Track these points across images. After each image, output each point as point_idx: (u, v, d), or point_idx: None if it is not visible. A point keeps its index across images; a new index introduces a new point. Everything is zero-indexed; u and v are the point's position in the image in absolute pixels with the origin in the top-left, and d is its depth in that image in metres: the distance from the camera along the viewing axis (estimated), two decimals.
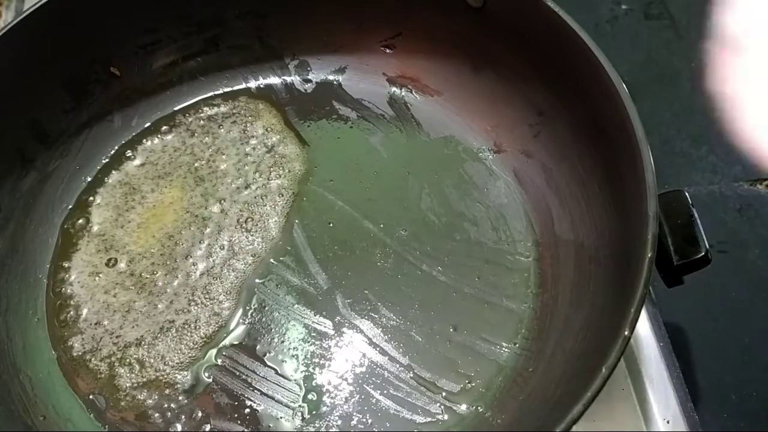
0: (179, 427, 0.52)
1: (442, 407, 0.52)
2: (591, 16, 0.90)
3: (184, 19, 0.67)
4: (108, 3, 0.63)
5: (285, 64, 0.71)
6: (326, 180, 0.64)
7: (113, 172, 0.65)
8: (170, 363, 0.54)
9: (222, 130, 0.67)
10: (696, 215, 0.53)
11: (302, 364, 0.54)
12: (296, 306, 0.57)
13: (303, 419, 0.52)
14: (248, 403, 0.53)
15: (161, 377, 0.54)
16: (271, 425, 0.52)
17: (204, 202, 0.62)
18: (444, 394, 0.52)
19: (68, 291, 0.58)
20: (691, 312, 0.66)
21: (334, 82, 0.70)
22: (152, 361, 0.55)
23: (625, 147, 0.49)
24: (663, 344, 0.57)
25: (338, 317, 0.56)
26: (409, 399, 0.52)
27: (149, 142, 0.66)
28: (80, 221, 0.62)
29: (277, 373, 0.54)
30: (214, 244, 0.60)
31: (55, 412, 0.53)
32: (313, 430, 0.51)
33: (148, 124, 0.68)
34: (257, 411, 0.52)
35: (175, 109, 0.69)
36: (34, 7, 0.59)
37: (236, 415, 0.52)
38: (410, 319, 0.55)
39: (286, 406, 0.52)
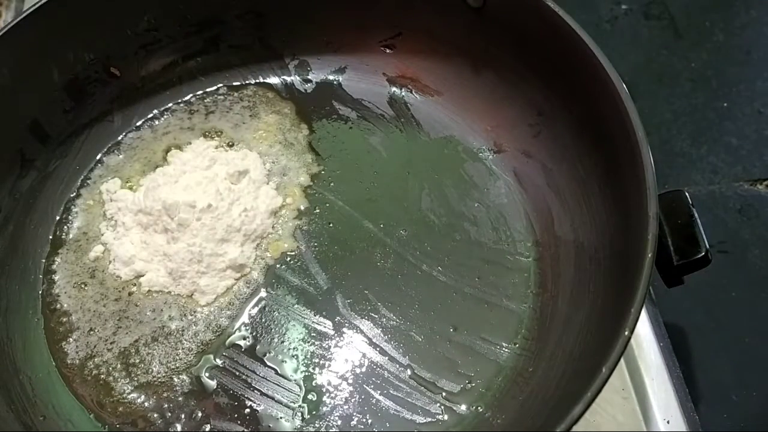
0: (179, 427, 0.52)
1: (442, 407, 0.52)
2: (591, 16, 0.90)
3: (184, 19, 0.67)
4: (108, 3, 0.63)
5: (285, 64, 0.71)
6: (326, 180, 0.64)
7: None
8: (168, 365, 0.54)
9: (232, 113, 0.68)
10: (696, 215, 0.53)
11: (302, 364, 0.54)
12: (296, 306, 0.57)
13: (303, 419, 0.52)
14: (248, 403, 0.53)
15: (159, 380, 0.54)
16: (271, 425, 0.52)
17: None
18: (444, 394, 0.52)
19: (59, 300, 0.58)
20: (691, 312, 0.66)
21: (334, 82, 0.70)
22: (149, 365, 0.54)
23: (625, 147, 0.49)
24: (663, 344, 0.57)
25: (338, 317, 0.56)
26: (409, 399, 0.52)
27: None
28: (73, 223, 0.62)
29: (277, 373, 0.54)
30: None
31: (54, 412, 0.53)
32: (313, 430, 0.51)
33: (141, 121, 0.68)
34: (257, 411, 0.52)
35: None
36: (34, 8, 0.59)
37: (236, 415, 0.52)
38: (410, 319, 0.55)
39: (286, 406, 0.52)
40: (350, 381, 0.53)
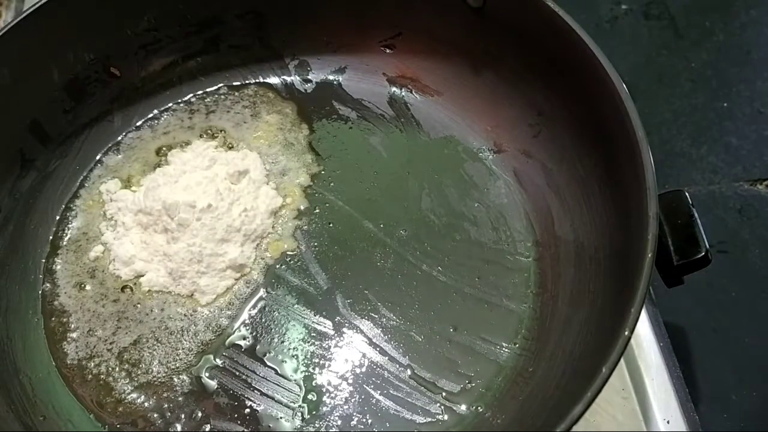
0: (179, 427, 0.52)
1: (442, 407, 0.52)
2: (591, 16, 0.90)
3: (184, 19, 0.67)
4: (108, 3, 0.63)
5: (285, 64, 0.71)
6: (326, 180, 0.64)
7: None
8: (168, 365, 0.54)
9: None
10: (696, 215, 0.53)
11: (302, 364, 0.54)
12: (296, 306, 0.57)
13: (303, 419, 0.52)
14: (248, 403, 0.53)
15: (159, 380, 0.54)
16: (271, 425, 0.52)
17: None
18: (444, 394, 0.52)
19: (59, 300, 0.58)
20: (691, 312, 0.66)
21: (334, 82, 0.70)
22: (149, 365, 0.54)
23: (625, 147, 0.49)
24: (663, 344, 0.57)
25: (338, 317, 0.56)
26: (409, 399, 0.52)
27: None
28: (73, 223, 0.62)
29: (277, 373, 0.54)
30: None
31: (54, 412, 0.53)
32: (313, 430, 0.51)
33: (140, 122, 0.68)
34: (257, 411, 0.52)
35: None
36: (34, 7, 0.59)
37: (236, 415, 0.52)
38: (410, 319, 0.55)
39: (286, 406, 0.52)
40: (350, 381, 0.53)
